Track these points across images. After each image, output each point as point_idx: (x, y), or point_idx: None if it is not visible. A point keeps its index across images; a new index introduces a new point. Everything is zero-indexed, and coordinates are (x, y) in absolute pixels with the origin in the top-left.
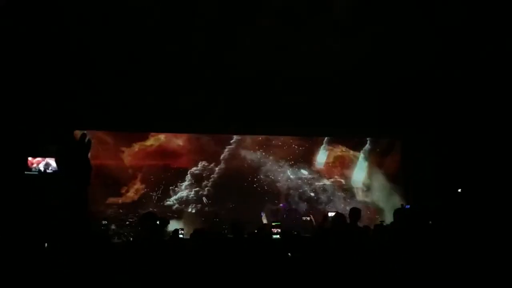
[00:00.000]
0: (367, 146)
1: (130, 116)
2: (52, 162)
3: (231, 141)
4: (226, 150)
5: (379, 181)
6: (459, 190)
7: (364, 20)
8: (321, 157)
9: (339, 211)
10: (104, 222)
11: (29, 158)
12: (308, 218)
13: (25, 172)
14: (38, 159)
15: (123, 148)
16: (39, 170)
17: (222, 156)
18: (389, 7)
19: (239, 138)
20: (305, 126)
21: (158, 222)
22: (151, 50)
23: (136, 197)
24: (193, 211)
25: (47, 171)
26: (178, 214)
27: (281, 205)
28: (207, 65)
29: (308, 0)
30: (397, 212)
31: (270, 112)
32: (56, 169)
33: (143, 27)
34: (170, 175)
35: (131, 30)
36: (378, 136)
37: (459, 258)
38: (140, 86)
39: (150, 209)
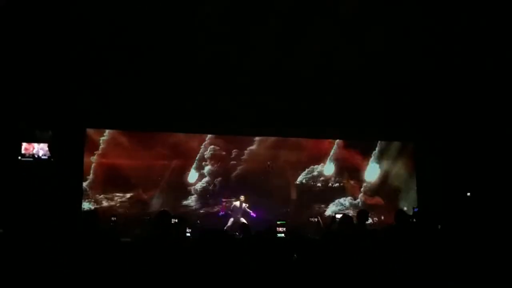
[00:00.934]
0: (378, 149)
1: (139, 115)
2: (45, 147)
3: (243, 142)
4: (238, 150)
5: (390, 183)
6: (468, 194)
7: (373, 21)
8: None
9: (347, 213)
10: (113, 218)
11: (24, 144)
12: (316, 220)
13: (19, 158)
14: (33, 144)
15: (137, 147)
16: (33, 156)
17: (233, 156)
18: (399, 7)
19: (250, 138)
20: (315, 128)
21: (176, 220)
22: (161, 50)
23: (148, 196)
24: (203, 210)
25: (42, 157)
26: (189, 213)
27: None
28: (216, 66)
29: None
30: (398, 214)
31: (279, 113)
32: (49, 155)
33: (154, 26)
34: (183, 174)
35: (140, 28)
36: (389, 138)
37: (466, 260)
38: (148, 86)
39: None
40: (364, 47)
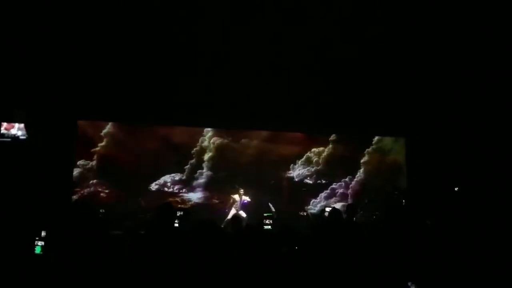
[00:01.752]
0: (373, 146)
1: (129, 107)
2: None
3: (239, 135)
4: (234, 143)
5: (381, 178)
6: (456, 189)
7: (369, 18)
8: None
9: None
10: (101, 210)
11: (4, 124)
12: (305, 213)
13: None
14: (13, 124)
15: (135, 140)
16: (12, 137)
17: (229, 150)
18: (395, 6)
19: (246, 132)
20: (309, 123)
21: (182, 213)
22: (155, 43)
23: (138, 188)
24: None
25: (20, 137)
26: (183, 205)
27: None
28: (211, 59)
29: None
30: (388, 209)
31: (275, 108)
32: (26, 135)
33: (147, 19)
34: (177, 166)
35: (134, 20)
36: (381, 134)
37: (455, 256)
38: (140, 79)
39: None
40: (360, 42)
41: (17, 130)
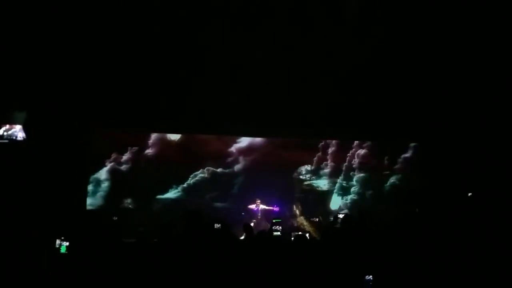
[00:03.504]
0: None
1: (130, 114)
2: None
3: (245, 140)
4: (248, 150)
5: (395, 184)
6: (469, 194)
7: (378, 20)
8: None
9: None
10: (114, 218)
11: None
12: (317, 219)
13: None
14: (7, 126)
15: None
16: (10, 138)
17: (236, 155)
18: (404, 6)
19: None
20: (318, 128)
21: (219, 226)
22: (157, 50)
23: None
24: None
25: (17, 138)
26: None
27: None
28: (213, 65)
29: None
30: (401, 215)
31: (282, 114)
32: (24, 137)
33: (152, 25)
34: (186, 172)
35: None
36: (395, 139)
37: (468, 261)
38: (143, 85)
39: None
40: (368, 46)
41: (18, 131)
